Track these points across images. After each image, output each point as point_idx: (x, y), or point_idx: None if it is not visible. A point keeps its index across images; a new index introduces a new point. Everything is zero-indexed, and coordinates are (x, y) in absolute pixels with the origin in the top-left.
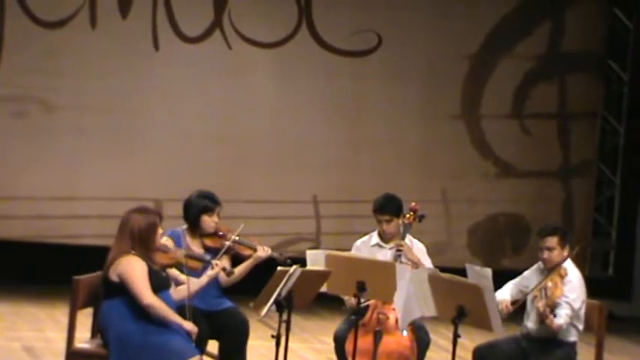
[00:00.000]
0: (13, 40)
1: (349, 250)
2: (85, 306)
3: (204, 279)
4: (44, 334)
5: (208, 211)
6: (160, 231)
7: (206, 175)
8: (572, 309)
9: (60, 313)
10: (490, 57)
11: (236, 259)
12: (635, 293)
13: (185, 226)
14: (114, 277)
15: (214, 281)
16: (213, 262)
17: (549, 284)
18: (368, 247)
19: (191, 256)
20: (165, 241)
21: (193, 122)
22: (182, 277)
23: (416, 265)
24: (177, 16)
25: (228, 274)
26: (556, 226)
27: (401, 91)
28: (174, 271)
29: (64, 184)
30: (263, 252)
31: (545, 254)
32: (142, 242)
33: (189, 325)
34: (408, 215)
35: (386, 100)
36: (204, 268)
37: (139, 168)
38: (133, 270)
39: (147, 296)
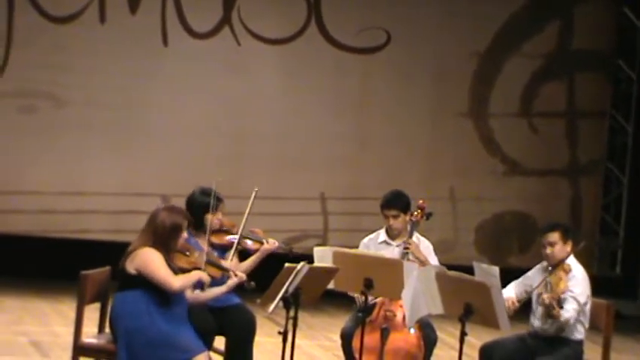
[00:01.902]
0: (22, 35)
1: (356, 247)
2: (92, 301)
3: (223, 288)
4: (51, 328)
5: (212, 209)
6: (185, 234)
7: (213, 171)
8: (578, 303)
9: (66, 308)
10: (498, 55)
11: (243, 253)
12: None
13: None
14: (131, 269)
15: (225, 278)
16: (235, 272)
17: (553, 279)
18: (375, 244)
19: (212, 263)
20: None
21: (201, 118)
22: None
23: (423, 263)
24: (186, 12)
25: (249, 286)
26: (557, 222)
27: (409, 89)
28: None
29: (71, 179)
30: (270, 245)
31: (548, 250)
32: (163, 241)
33: (204, 275)
34: (415, 213)
35: (394, 97)
36: (223, 277)
37: (146, 163)
38: (153, 260)
39: (174, 282)
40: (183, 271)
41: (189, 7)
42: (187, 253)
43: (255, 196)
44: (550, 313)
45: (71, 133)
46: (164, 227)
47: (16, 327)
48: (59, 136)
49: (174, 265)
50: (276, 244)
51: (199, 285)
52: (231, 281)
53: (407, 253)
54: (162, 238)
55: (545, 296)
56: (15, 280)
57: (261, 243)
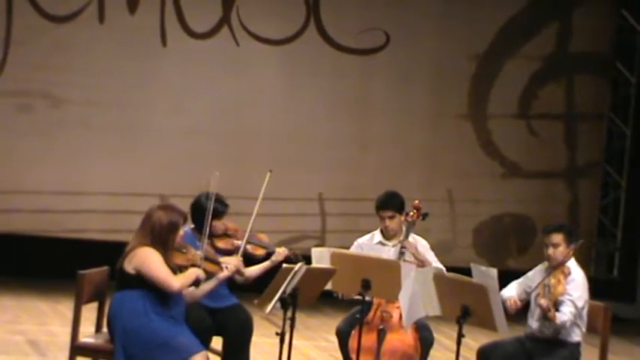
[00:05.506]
0: (21, 35)
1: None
2: (89, 300)
3: (213, 281)
4: (48, 328)
5: (218, 215)
6: (181, 232)
7: (211, 171)
8: (576, 307)
9: (64, 308)
10: (497, 57)
11: (248, 259)
12: (639, 295)
13: (192, 226)
14: (129, 269)
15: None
16: (223, 265)
17: (552, 281)
18: (370, 245)
19: (209, 259)
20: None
21: (200, 118)
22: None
23: (422, 263)
24: (185, 12)
25: (240, 275)
26: (562, 224)
27: (408, 90)
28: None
29: (69, 179)
30: (280, 255)
31: (551, 250)
32: (161, 240)
33: (200, 273)
34: (411, 213)
35: (392, 99)
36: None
37: (144, 163)
38: (153, 261)
39: (174, 282)
40: (181, 268)
41: (188, 7)
42: (184, 251)
43: (269, 178)
44: (546, 315)
45: (69, 133)
46: (161, 225)
47: (13, 326)
48: (57, 135)
49: (172, 263)
50: (287, 252)
51: (195, 282)
52: (222, 274)
53: (404, 252)
54: (160, 236)
55: (542, 301)
56: (13, 280)
57: (266, 248)
